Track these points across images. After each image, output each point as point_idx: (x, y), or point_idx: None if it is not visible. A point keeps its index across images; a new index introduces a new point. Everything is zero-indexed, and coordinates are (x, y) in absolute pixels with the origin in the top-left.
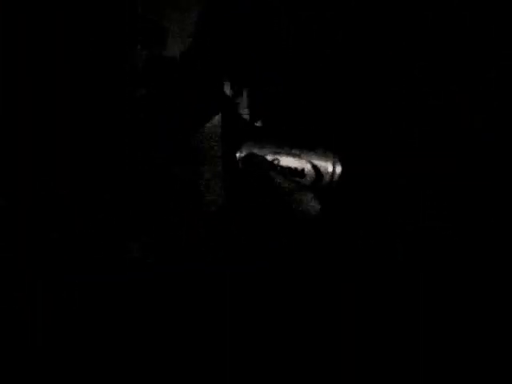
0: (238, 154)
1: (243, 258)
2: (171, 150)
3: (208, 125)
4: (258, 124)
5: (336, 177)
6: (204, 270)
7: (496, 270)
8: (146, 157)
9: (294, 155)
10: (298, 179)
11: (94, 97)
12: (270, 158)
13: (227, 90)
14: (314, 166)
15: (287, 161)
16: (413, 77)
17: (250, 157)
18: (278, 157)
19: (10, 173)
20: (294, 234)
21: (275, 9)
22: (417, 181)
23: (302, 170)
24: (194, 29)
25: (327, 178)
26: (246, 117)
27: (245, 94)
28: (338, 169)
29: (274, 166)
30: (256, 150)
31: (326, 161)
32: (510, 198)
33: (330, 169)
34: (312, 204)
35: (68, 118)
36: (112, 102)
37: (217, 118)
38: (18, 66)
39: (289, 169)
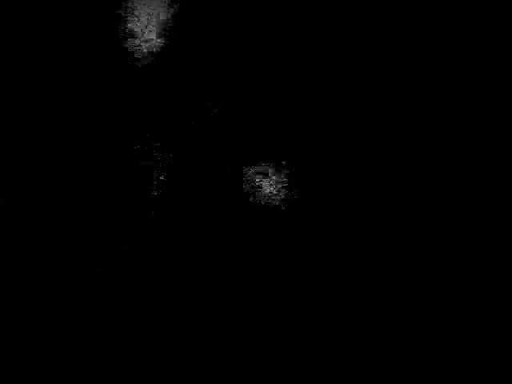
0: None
1: (242, 258)
2: (171, 151)
3: (206, 123)
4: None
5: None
6: (203, 269)
7: (493, 265)
8: (145, 157)
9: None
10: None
11: (94, 97)
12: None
13: (225, 86)
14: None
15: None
16: (410, 72)
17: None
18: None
19: (9, 173)
20: (292, 232)
21: (272, 5)
22: (414, 176)
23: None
24: (191, 26)
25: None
26: (244, 114)
27: (242, 89)
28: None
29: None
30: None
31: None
32: (507, 194)
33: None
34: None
35: (68, 118)
36: (111, 103)
37: (214, 117)
38: (18, 66)
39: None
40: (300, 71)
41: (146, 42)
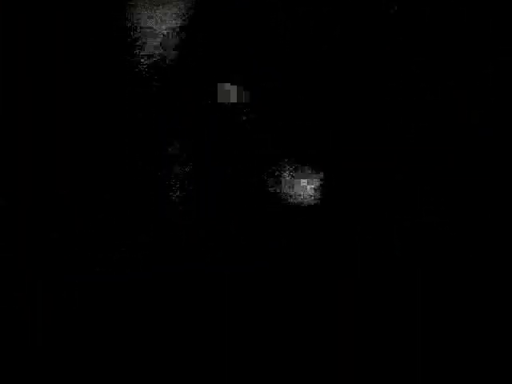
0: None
1: (242, 258)
2: (171, 150)
3: (207, 123)
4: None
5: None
6: (203, 269)
7: (493, 265)
8: (145, 157)
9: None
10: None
11: (94, 97)
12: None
13: (225, 86)
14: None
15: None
16: (410, 72)
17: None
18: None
19: (9, 173)
20: (292, 232)
21: (272, 5)
22: (414, 176)
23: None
24: (191, 27)
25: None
26: (245, 113)
27: (242, 89)
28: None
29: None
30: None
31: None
32: (507, 194)
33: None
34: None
35: (68, 118)
36: (111, 103)
37: (215, 117)
38: (18, 66)
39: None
40: (300, 71)
41: (146, 42)
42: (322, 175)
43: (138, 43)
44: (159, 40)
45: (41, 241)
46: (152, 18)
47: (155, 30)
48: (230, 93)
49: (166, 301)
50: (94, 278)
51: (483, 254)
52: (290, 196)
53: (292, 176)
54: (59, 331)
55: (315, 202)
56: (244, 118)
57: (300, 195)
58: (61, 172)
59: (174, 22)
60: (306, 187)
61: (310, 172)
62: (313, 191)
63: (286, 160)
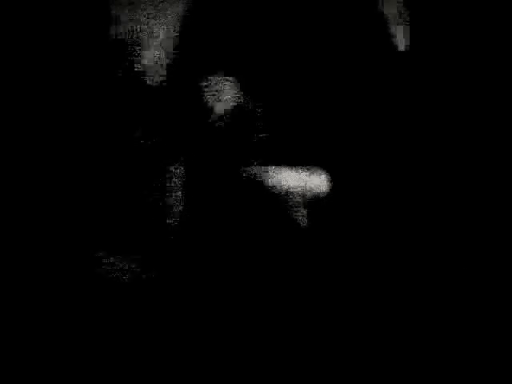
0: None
1: (243, 257)
2: (169, 149)
3: (204, 124)
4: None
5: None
6: (204, 269)
7: (494, 269)
8: (143, 158)
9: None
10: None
11: (93, 97)
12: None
13: (221, 89)
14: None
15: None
16: (410, 74)
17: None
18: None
19: (9, 173)
20: (292, 232)
21: (271, 6)
22: (414, 179)
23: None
24: (187, 27)
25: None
26: (242, 118)
27: (239, 94)
28: (324, 187)
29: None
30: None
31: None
32: (508, 197)
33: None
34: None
35: (67, 118)
36: (109, 104)
37: (211, 118)
38: (18, 65)
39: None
40: (299, 75)
41: (145, 42)
42: (321, 175)
43: (136, 43)
44: (159, 40)
45: (41, 241)
46: (151, 18)
47: (154, 31)
48: (228, 93)
49: (165, 301)
50: (94, 278)
51: (483, 253)
52: (290, 196)
53: (291, 176)
54: (59, 331)
55: (315, 202)
56: (242, 117)
57: (299, 195)
58: (60, 172)
59: (173, 21)
60: (305, 187)
61: (309, 172)
62: (313, 191)
63: (285, 160)
